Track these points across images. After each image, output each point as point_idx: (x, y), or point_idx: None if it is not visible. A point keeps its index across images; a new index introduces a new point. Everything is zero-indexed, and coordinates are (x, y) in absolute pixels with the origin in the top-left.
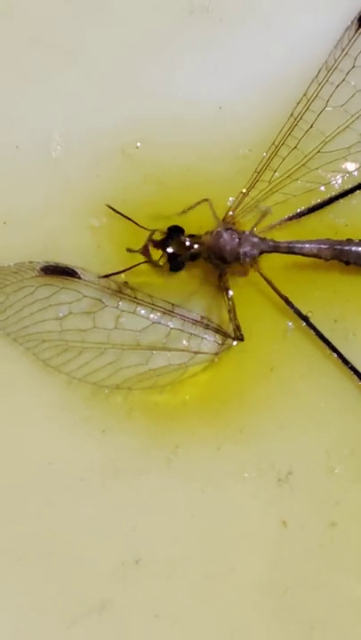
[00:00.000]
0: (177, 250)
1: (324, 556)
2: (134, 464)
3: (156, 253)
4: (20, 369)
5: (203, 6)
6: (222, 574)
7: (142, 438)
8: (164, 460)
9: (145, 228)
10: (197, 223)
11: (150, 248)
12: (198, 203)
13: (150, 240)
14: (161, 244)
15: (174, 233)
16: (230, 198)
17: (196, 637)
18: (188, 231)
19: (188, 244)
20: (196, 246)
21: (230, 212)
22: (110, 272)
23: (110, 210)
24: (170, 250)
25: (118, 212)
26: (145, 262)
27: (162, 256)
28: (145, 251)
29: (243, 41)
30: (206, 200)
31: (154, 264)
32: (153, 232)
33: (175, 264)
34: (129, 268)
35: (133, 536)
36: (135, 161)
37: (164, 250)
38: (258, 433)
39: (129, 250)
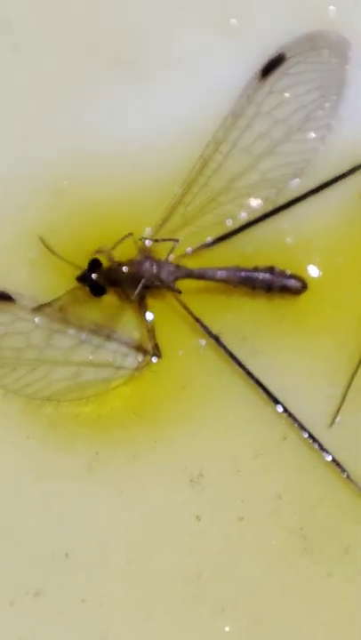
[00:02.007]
0: (98, 280)
1: (233, 546)
2: (59, 467)
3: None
4: None
5: (128, 59)
6: (142, 563)
7: (66, 444)
8: (86, 465)
9: (70, 263)
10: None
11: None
12: (125, 237)
13: (76, 278)
14: (82, 278)
15: (94, 266)
16: (147, 229)
17: (119, 619)
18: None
19: (108, 273)
20: (116, 274)
21: (147, 242)
22: (42, 303)
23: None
24: (91, 281)
25: (47, 247)
26: (70, 291)
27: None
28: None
29: (163, 89)
30: (130, 234)
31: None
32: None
33: (96, 290)
34: (58, 298)
35: (62, 531)
36: (64, 195)
37: (85, 282)
38: (171, 442)
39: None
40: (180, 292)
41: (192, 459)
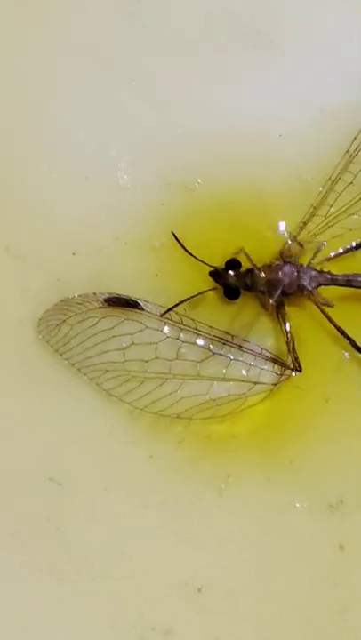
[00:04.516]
0: (235, 282)
1: None
2: (187, 490)
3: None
4: (83, 398)
5: (265, 42)
6: (281, 597)
7: (195, 466)
8: (217, 489)
9: (203, 262)
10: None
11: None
12: (236, 253)
13: (210, 272)
14: (217, 275)
15: (232, 266)
16: (287, 230)
17: None
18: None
19: (244, 276)
20: (253, 278)
21: (288, 245)
22: (171, 305)
23: (173, 240)
24: (228, 282)
25: (180, 244)
26: (203, 292)
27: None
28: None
29: (302, 73)
30: (241, 250)
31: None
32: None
33: (231, 292)
34: (187, 299)
35: (193, 562)
36: (197, 193)
37: (219, 281)
38: (308, 463)
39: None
40: (331, 305)
41: (331, 483)
